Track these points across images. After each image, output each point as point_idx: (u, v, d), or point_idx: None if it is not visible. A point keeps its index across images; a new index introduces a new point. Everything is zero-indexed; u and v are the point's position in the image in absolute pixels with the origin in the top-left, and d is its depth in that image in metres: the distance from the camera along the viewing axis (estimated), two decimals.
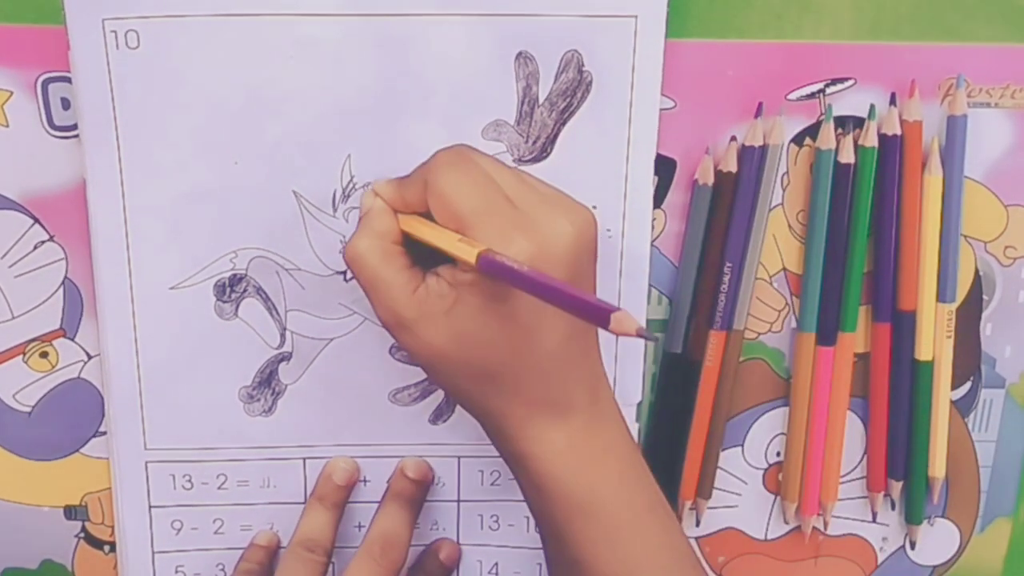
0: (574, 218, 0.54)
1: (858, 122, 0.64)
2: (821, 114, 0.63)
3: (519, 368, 0.55)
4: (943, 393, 0.68)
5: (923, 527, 0.72)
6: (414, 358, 0.57)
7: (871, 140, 0.63)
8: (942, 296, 0.66)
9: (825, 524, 0.72)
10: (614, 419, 0.59)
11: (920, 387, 0.68)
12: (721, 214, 0.64)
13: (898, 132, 0.63)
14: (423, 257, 0.56)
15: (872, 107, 0.63)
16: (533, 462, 0.58)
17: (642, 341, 0.66)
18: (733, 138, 0.64)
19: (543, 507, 0.59)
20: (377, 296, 0.56)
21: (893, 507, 0.72)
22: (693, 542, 0.72)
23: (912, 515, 0.71)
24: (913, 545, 0.73)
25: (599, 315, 0.47)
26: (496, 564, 0.71)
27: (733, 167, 0.64)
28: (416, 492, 0.68)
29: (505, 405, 0.57)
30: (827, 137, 0.63)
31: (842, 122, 0.64)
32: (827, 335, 0.67)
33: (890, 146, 0.63)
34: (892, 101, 0.63)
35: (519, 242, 0.52)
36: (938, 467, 0.70)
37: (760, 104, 0.63)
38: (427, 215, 0.55)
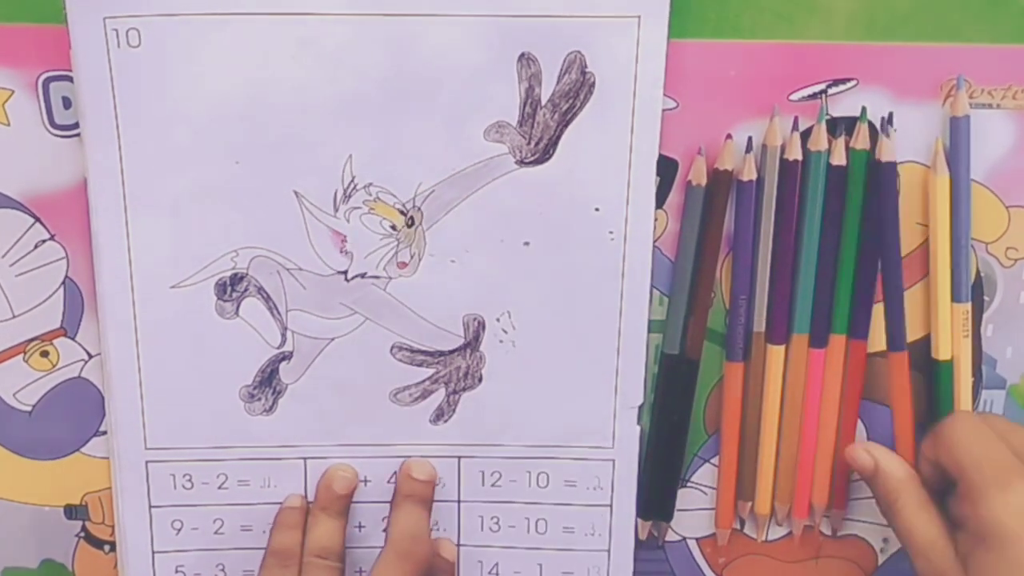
0: None
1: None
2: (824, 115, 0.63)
3: None
4: (964, 391, 0.68)
5: None
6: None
7: (862, 143, 0.63)
8: (956, 296, 0.66)
9: (816, 525, 0.72)
10: None
11: (941, 387, 0.68)
12: (717, 213, 0.64)
13: (894, 159, 0.64)
14: None
15: (863, 109, 0.63)
16: None
17: (643, 343, 0.66)
18: (728, 136, 0.63)
19: None
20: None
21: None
22: (694, 543, 0.72)
23: None
24: None
25: None
26: (496, 564, 0.71)
27: (729, 165, 0.64)
28: (427, 492, 0.68)
29: None
30: (819, 139, 0.63)
31: (847, 123, 0.64)
32: (819, 337, 0.67)
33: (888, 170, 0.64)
34: (890, 121, 0.63)
35: (1019, 487, 0.53)
36: None
37: (774, 106, 0.63)
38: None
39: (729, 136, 0.63)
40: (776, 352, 0.67)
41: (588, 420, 0.62)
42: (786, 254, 0.65)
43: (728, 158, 0.63)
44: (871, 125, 0.63)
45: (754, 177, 0.64)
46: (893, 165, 0.64)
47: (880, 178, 0.64)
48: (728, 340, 0.67)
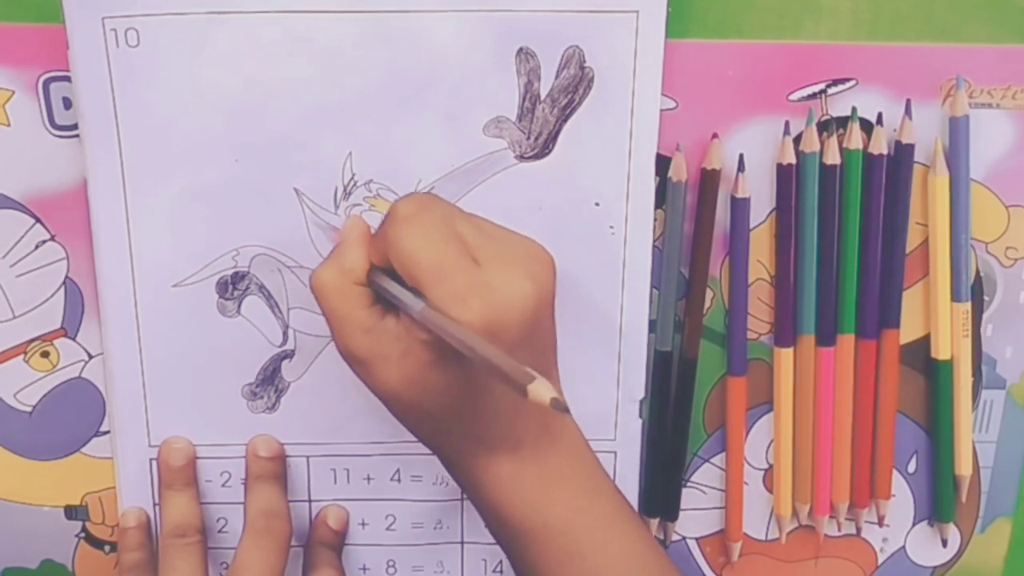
0: (534, 270, 0.55)
1: (863, 123, 0.64)
2: (822, 114, 0.63)
3: (467, 415, 0.57)
4: (964, 391, 0.68)
5: (922, 527, 0.73)
6: (370, 390, 0.57)
7: (855, 143, 0.64)
8: (956, 296, 0.67)
9: (839, 526, 0.72)
10: (566, 442, 0.60)
11: (941, 386, 0.68)
12: (706, 213, 0.65)
13: (906, 141, 0.64)
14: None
15: (854, 109, 0.63)
16: (483, 491, 0.59)
17: (644, 337, 0.66)
18: (715, 135, 0.63)
19: (499, 532, 0.61)
20: (334, 327, 0.57)
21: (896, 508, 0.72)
22: (694, 543, 0.72)
23: (942, 514, 0.72)
24: (945, 543, 0.73)
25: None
26: (500, 562, 0.71)
27: (717, 164, 0.64)
28: (276, 468, 0.68)
29: (453, 443, 0.58)
30: (811, 140, 0.63)
31: (843, 123, 0.64)
32: (826, 336, 0.67)
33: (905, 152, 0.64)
34: (907, 110, 0.64)
35: (474, 307, 0.52)
36: (964, 465, 0.70)
37: (787, 122, 0.63)
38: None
39: (715, 135, 0.63)
40: (784, 355, 0.68)
41: (590, 413, 0.62)
42: (786, 257, 0.65)
43: (715, 158, 0.63)
44: (870, 123, 0.64)
45: (748, 195, 0.64)
46: (911, 152, 0.64)
47: (899, 167, 0.64)
48: (729, 355, 0.68)
